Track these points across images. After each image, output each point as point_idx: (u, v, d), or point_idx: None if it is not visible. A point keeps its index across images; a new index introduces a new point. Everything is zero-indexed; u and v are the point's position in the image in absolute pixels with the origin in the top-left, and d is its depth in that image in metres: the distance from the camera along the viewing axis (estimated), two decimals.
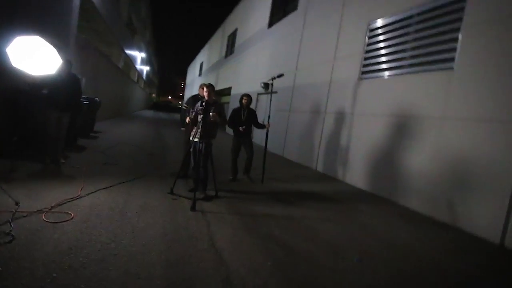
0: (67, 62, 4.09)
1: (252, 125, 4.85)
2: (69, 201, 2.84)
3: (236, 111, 4.71)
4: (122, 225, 2.50)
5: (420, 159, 4.16)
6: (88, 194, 3.14)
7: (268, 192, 4.29)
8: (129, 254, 2.03)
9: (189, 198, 3.34)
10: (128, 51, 19.14)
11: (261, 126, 4.84)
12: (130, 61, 21.46)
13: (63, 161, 4.27)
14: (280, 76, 4.85)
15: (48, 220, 2.38)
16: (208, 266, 2.01)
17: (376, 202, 4.47)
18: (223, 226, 2.76)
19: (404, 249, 2.76)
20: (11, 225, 2.19)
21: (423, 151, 4.14)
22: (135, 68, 25.12)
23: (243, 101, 4.71)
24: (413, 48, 4.45)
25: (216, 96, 3.55)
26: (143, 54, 27.65)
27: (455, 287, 2.19)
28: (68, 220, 2.44)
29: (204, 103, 3.39)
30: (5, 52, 3.24)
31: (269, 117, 4.83)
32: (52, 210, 2.59)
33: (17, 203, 2.58)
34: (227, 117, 4.65)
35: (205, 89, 3.45)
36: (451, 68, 3.83)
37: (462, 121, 3.65)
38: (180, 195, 3.53)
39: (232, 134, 4.85)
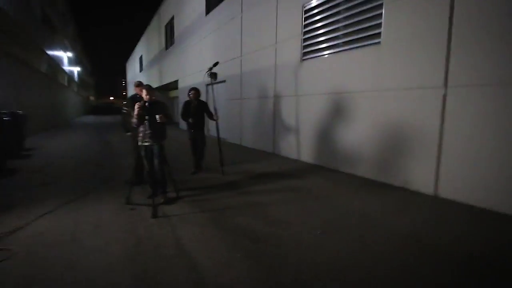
0: None
1: (206, 117, 4.93)
2: (6, 235, 2.50)
3: (186, 104, 4.81)
4: (76, 250, 2.30)
5: (360, 130, 4.57)
6: (29, 223, 2.79)
7: (230, 182, 4.32)
8: (90, 281, 1.89)
9: (149, 205, 3.19)
10: (50, 52, 16.77)
11: (212, 117, 4.85)
12: (56, 63, 18.88)
13: None
14: (215, 64, 4.81)
15: None
16: (179, 271, 1.98)
17: (327, 175, 4.82)
18: (189, 227, 2.72)
19: (358, 215, 3.06)
20: None
21: (362, 122, 4.55)
22: (64, 71, 22.26)
23: (191, 95, 4.81)
24: (345, 26, 4.73)
25: (156, 95, 3.39)
26: (69, 54, 24.49)
27: (410, 241, 2.53)
28: (7, 258, 2.15)
29: (147, 104, 3.20)
30: None
31: (215, 109, 4.79)
32: None
33: None
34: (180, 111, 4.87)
35: (144, 91, 3.26)
36: (379, 43, 4.20)
37: (392, 91, 4.06)
38: (139, 204, 3.35)
39: (186, 128, 4.89)
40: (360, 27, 4.47)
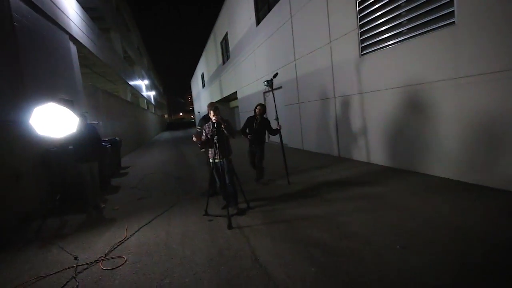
0: (83, 116, 4.38)
1: (267, 132, 4.99)
2: (119, 245, 3.08)
3: (249, 120, 4.92)
4: (170, 258, 2.68)
5: (441, 125, 4.03)
6: (133, 233, 3.38)
7: (297, 192, 4.35)
8: (184, 287, 2.19)
9: (223, 216, 3.49)
10: (132, 82, 19.85)
11: (275, 132, 4.92)
12: (136, 91, 22.23)
13: (103, 205, 4.60)
14: (275, 76, 4.93)
15: (106, 268, 2.61)
16: (257, 283, 2.12)
17: (403, 177, 4.39)
18: (261, 239, 2.87)
19: (446, 225, 2.71)
20: (76, 280, 2.44)
21: (442, 116, 4.00)
22: (143, 96, 26.02)
23: (256, 110, 4.90)
24: (408, 11, 4.28)
25: (221, 114, 3.66)
26: (146, 81, 28.53)
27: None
28: (122, 264, 2.66)
29: (215, 125, 3.51)
30: (29, 124, 3.57)
31: (277, 118, 4.88)
32: (107, 257, 2.83)
33: (75, 258, 2.85)
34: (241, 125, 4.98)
35: (211, 112, 3.59)
36: (453, 23, 3.66)
37: (477, 77, 3.47)
38: (215, 215, 3.68)
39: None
40: (426, 9, 3.98)
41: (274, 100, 5.11)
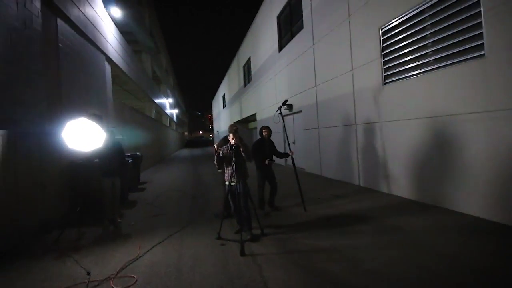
0: (110, 131, 4.59)
1: (276, 156, 4.85)
2: (130, 263, 3.07)
3: (260, 144, 4.73)
4: (180, 282, 2.61)
5: (471, 160, 3.80)
6: (146, 252, 3.36)
7: (314, 221, 4.19)
8: None
9: (236, 241, 3.40)
10: (157, 100, 20.83)
11: (283, 155, 4.82)
12: (161, 108, 23.26)
13: (120, 220, 4.65)
14: (284, 103, 5.06)
15: (116, 287, 2.58)
16: None
17: (428, 213, 4.12)
18: (275, 269, 2.74)
19: (474, 268, 2.47)
20: None
21: (471, 150, 3.79)
22: (166, 114, 27.12)
23: (264, 133, 4.77)
24: (434, 43, 4.24)
25: (241, 136, 3.71)
26: (170, 100, 29.85)
27: None
28: (132, 284, 2.62)
29: (234, 147, 3.53)
30: (61, 136, 3.79)
31: (289, 144, 4.87)
32: (118, 275, 2.81)
33: (88, 273, 2.85)
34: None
35: (230, 135, 3.63)
36: (483, 55, 3.57)
37: (510, 111, 3.29)
38: (228, 239, 3.60)
39: (255, 167, 4.72)
40: (454, 40, 3.93)
41: (284, 127, 5.09)
